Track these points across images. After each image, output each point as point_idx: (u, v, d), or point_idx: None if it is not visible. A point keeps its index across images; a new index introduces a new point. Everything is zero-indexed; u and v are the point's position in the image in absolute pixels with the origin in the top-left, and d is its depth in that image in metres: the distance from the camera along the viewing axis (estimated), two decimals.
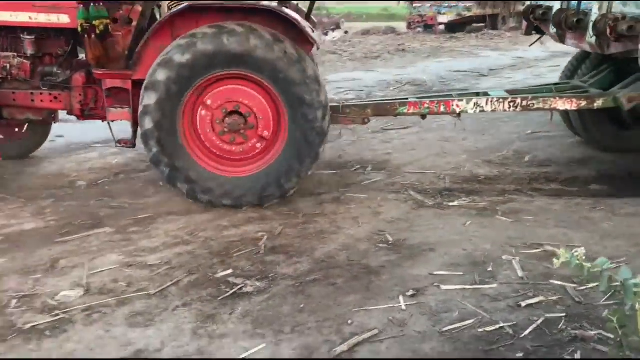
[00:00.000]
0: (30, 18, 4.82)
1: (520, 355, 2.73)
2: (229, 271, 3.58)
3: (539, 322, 2.99)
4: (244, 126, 4.60)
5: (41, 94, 5.00)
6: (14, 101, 5.03)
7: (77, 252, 3.87)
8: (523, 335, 2.88)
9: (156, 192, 5.01)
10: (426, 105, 5.14)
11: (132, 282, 3.46)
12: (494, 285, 3.39)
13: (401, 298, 3.24)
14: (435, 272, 3.55)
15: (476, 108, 5.10)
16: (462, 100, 5.13)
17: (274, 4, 4.66)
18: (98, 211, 4.58)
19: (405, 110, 5.17)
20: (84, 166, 5.73)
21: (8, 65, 4.90)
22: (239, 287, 3.39)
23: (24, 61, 4.94)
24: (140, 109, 4.47)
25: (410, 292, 3.31)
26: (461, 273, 3.53)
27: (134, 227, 4.27)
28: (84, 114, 5.06)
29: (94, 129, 6.42)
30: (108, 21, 4.74)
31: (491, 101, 5.08)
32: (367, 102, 5.53)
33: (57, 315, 3.11)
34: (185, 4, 4.56)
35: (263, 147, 4.68)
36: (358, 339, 2.86)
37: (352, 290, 3.35)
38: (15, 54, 4.96)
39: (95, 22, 4.65)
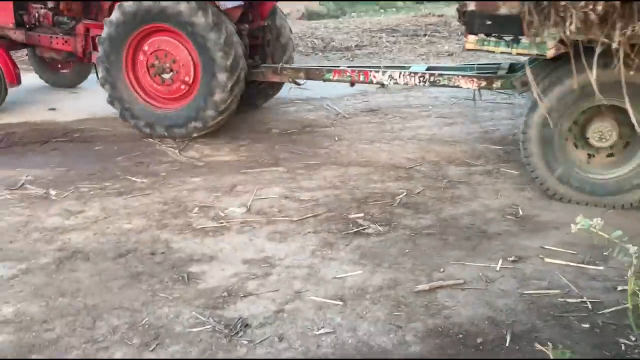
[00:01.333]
0: None
1: (586, 326, 2.90)
2: (361, 214, 4.18)
3: (626, 305, 3.06)
4: (169, 70, 5.71)
5: (56, 38, 6.52)
6: (39, 42, 6.61)
7: (252, 182, 4.80)
8: (601, 312, 3.01)
9: (329, 145, 5.75)
10: (348, 74, 5.73)
11: (283, 210, 4.26)
12: (601, 268, 3.46)
13: (500, 261, 3.52)
14: (547, 247, 3.71)
15: (390, 80, 5.56)
16: (378, 71, 5.60)
17: None
18: (279, 154, 5.49)
19: (331, 77, 5.83)
20: (281, 117, 6.73)
21: (37, 14, 6.48)
22: (363, 227, 3.98)
23: (48, 12, 6.47)
24: (96, 59, 5.90)
25: (512, 258, 3.56)
26: (574, 252, 3.64)
27: (301, 170, 5.08)
28: (85, 56, 6.47)
29: (296, 88, 7.40)
30: None
31: (403, 74, 5.49)
32: (301, 66, 6.37)
33: (221, 223, 4.04)
34: None
35: (186, 89, 5.74)
36: (441, 283, 3.27)
37: (458, 247, 3.72)
38: (42, 6, 6.50)
39: None
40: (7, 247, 3.71)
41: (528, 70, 4.25)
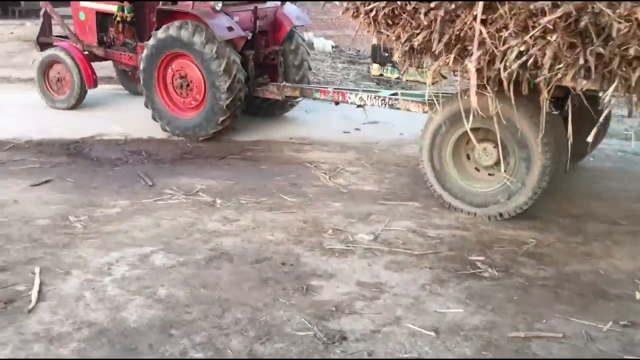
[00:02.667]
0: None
1: None
2: (481, 257, 4.35)
3: None
4: (186, 86, 7.28)
5: (124, 54, 8.21)
6: (113, 57, 8.44)
7: (386, 212, 5.18)
8: None
9: None
10: (329, 94, 6.92)
11: (407, 243, 4.58)
12: None
13: (610, 323, 3.49)
14: None
15: (360, 101, 6.60)
16: (352, 93, 6.75)
17: (209, 8, 7.02)
18: (420, 189, 5.77)
19: (318, 96, 7.06)
20: None
21: (112, 36, 8.32)
22: (479, 270, 4.15)
23: (120, 33, 8.13)
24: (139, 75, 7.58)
25: (624, 322, 3.50)
26: None
27: (436, 208, 5.33)
28: None
29: None
30: (123, 15, 7.81)
31: (370, 97, 6.55)
32: (297, 86, 7.50)
33: (348, 246, 4.49)
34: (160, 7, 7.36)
35: (197, 102, 7.27)
36: (539, 333, 3.37)
37: (569, 303, 3.74)
38: (113, 30, 8.19)
39: (116, 15, 7.86)
40: (173, 242, 4.52)
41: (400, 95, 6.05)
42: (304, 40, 8.17)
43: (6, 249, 4.29)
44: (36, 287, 3.75)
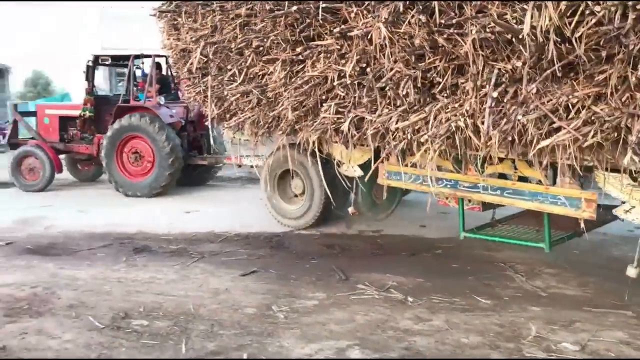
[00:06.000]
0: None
1: None
2: None
3: None
4: (139, 158, 10.60)
5: (82, 146, 11.39)
6: (73, 149, 11.57)
7: (592, 321, 4.77)
8: None
9: None
10: (232, 160, 9.56)
11: (619, 355, 4.16)
12: None
13: None
14: None
15: (251, 161, 9.34)
16: (246, 158, 9.37)
17: (156, 103, 10.67)
18: (631, 296, 5.27)
19: (226, 161, 10.61)
20: None
21: (72, 133, 11.54)
22: None
23: (77, 131, 11.50)
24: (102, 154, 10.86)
25: None
26: None
27: None
28: (98, 156, 10.97)
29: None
30: (85, 114, 11.19)
31: (254, 159, 9.16)
32: (213, 156, 11.20)
33: (551, 356, 4.19)
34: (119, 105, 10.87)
35: (146, 170, 10.56)
36: None
37: None
38: (74, 128, 11.51)
39: (81, 113, 11.20)
40: (368, 337, 4.61)
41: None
42: None
43: (219, 334, 4.72)
44: None
